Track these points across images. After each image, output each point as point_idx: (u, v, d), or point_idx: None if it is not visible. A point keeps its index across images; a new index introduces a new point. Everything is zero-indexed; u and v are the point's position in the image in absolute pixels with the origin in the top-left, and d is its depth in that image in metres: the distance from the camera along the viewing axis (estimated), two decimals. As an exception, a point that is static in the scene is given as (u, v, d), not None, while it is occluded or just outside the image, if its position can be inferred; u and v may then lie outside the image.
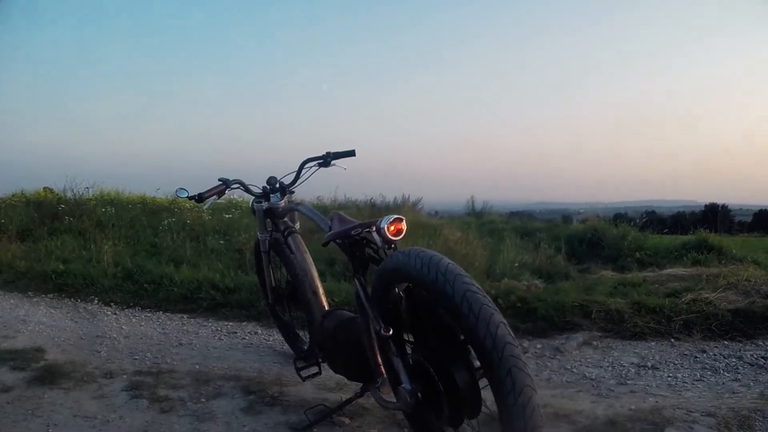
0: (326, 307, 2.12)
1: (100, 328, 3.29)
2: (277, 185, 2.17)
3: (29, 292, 4.09)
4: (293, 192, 2.23)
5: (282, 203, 2.15)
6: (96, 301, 3.87)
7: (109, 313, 3.62)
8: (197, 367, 2.65)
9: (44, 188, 8.49)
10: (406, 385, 1.37)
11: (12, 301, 3.88)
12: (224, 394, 2.28)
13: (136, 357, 2.77)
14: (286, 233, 2.16)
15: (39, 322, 3.36)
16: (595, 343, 2.78)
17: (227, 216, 6.94)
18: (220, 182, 2.06)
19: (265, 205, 2.14)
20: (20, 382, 2.38)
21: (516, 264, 4.06)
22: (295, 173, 2.18)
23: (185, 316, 3.56)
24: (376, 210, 7.88)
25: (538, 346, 2.84)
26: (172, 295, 3.87)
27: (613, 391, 2.30)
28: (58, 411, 2.11)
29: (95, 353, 2.81)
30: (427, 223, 6.44)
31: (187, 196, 1.96)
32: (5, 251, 5.14)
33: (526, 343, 2.88)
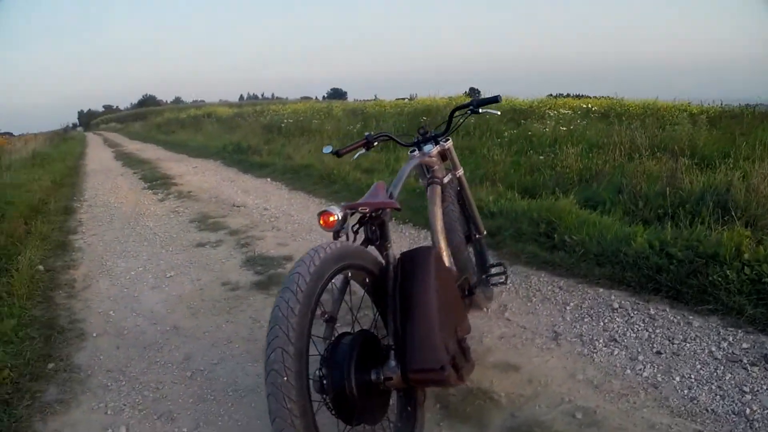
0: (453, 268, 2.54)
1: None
2: (428, 135, 2.79)
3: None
4: (448, 140, 2.83)
5: (434, 152, 2.72)
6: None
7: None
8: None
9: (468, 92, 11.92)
10: (319, 370, 1.65)
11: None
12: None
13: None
14: (427, 183, 2.75)
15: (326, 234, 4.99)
16: None
17: (563, 128, 7.98)
18: (364, 138, 2.73)
19: (417, 154, 2.74)
20: (248, 284, 3.86)
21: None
22: (446, 123, 2.82)
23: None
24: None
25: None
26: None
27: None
28: (241, 311, 3.39)
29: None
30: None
31: (330, 152, 2.69)
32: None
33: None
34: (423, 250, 1.94)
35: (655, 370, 2.37)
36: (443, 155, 2.87)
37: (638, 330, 2.73)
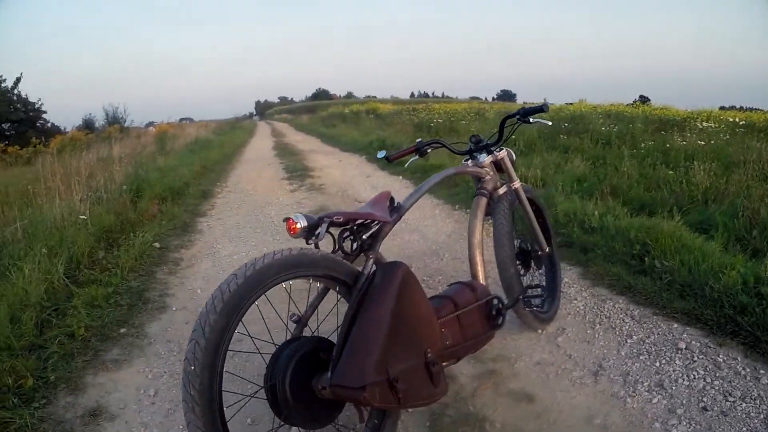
0: (478, 278, 2.63)
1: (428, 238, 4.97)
2: (481, 144, 2.89)
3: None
4: (501, 149, 2.90)
5: (486, 162, 2.84)
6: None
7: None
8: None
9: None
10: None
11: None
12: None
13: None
14: (475, 193, 2.84)
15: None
16: None
17: (700, 143, 7.66)
18: (415, 144, 2.86)
19: (470, 163, 2.88)
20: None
21: None
22: (498, 133, 2.89)
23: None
24: None
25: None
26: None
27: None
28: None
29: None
30: None
31: (383, 157, 2.88)
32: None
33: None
34: (392, 265, 1.98)
35: (688, 429, 2.17)
36: (498, 166, 2.91)
37: (694, 378, 2.51)
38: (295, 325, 1.97)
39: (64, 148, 11.71)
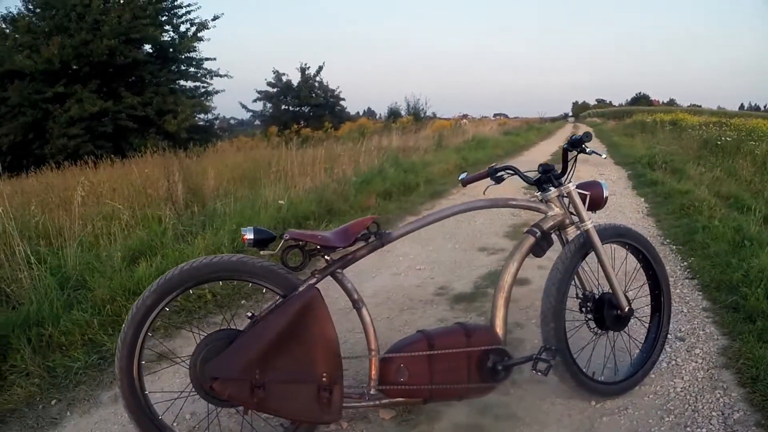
0: (494, 324, 2.56)
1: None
2: (549, 175, 2.73)
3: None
4: (570, 182, 2.72)
5: (552, 196, 2.68)
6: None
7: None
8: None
9: None
10: None
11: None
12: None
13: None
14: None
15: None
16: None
17: None
18: (487, 170, 2.84)
19: (539, 195, 2.75)
20: (455, 295, 4.29)
21: None
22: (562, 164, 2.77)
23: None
24: None
25: None
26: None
27: None
28: (413, 315, 3.89)
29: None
30: None
31: (460, 179, 2.92)
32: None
33: None
34: (306, 289, 2.21)
35: None
36: (570, 200, 2.69)
37: None
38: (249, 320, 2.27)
39: (350, 133, 13.34)
